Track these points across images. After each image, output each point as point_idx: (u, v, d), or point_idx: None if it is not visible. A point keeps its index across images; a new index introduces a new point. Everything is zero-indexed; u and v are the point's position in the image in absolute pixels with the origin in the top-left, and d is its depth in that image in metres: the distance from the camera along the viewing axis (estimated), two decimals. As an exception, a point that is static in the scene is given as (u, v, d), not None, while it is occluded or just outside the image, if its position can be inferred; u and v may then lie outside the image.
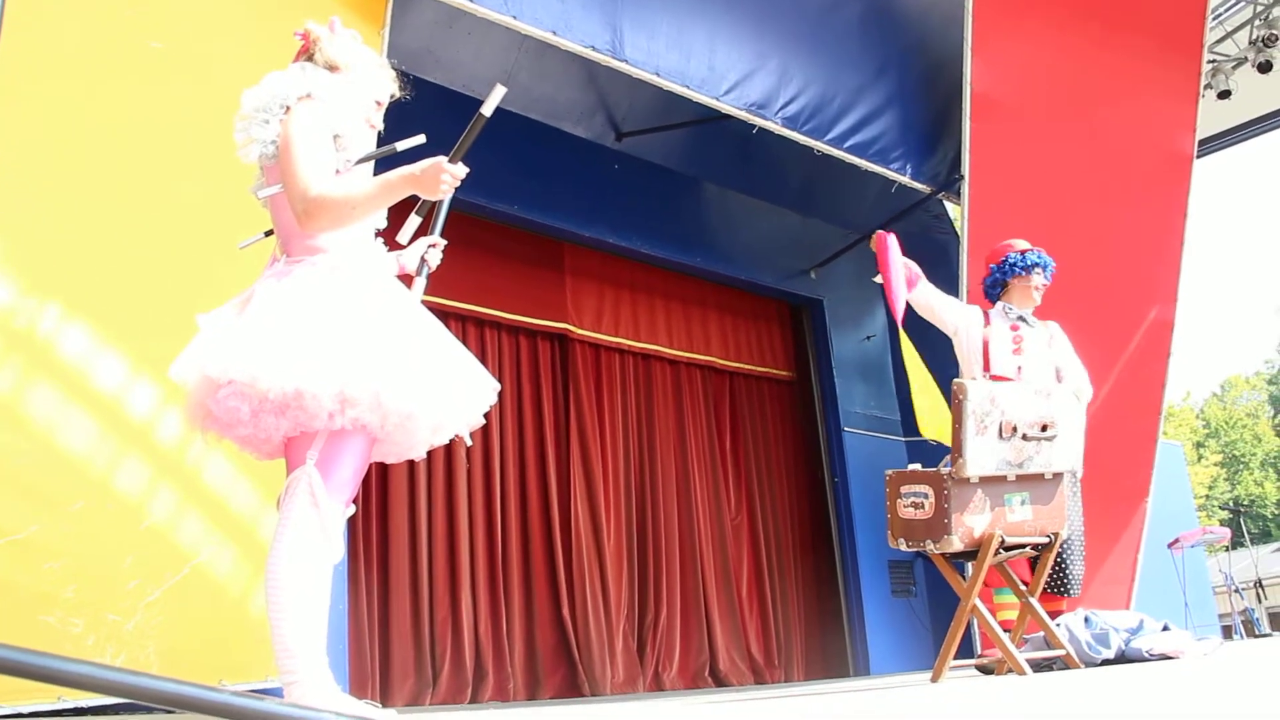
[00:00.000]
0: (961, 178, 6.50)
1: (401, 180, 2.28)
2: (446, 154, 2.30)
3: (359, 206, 2.27)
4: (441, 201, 2.68)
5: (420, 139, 2.39)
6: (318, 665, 2.20)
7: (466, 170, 2.31)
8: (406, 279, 2.67)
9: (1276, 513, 36.36)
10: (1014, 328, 4.48)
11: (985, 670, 4.09)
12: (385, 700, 5.57)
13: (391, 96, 2.70)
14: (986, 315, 4.55)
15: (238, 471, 3.63)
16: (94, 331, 3.46)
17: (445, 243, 2.78)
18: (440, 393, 2.32)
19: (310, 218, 2.27)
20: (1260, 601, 12.76)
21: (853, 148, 6.44)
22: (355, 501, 2.45)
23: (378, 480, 5.91)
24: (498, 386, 2.54)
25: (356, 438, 2.30)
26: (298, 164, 2.30)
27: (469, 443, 2.53)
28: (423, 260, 2.74)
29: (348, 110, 2.44)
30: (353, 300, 2.30)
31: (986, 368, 4.38)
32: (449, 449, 6.24)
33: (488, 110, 2.35)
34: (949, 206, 7.88)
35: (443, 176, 2.26)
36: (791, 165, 7.09)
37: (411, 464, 6.04)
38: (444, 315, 6.32)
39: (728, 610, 7.41)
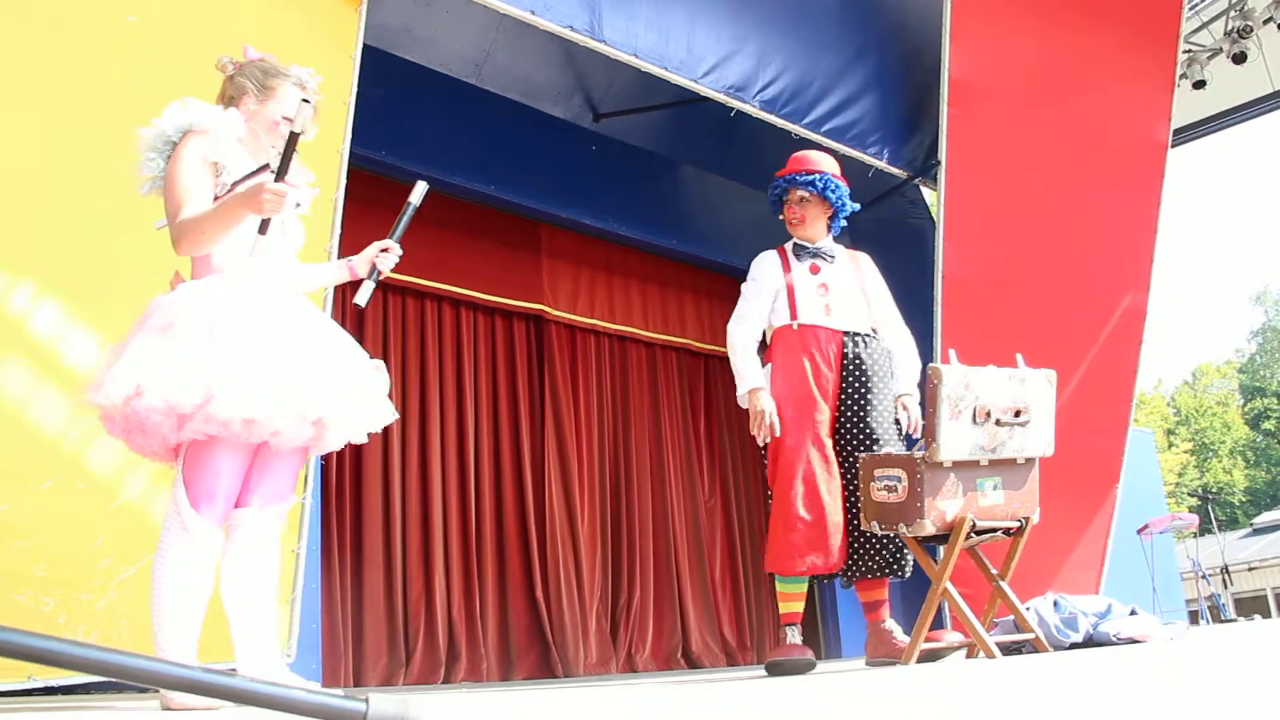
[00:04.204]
0: (938, 163, 6.51)
1: (235, 200, 2.48)
2: (277, 173, 2.50)
3: (206, 230, 2.49)
4: (408, 206, 2.91)
5: (264, 173, 2.57)
6: (181, 658, 2.40)
7: (291, 186, 2.48)
8: (356, 284, 2.90)
9: (1244, 500, 36.76)
10: (814, 269, 4.25)
11: (933, 656, 3.98)
12: (358, 680, 5.57)
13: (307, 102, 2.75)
14: (785, 260, 4.30)
15: (211, 450, 3.60)
16: (66, 309, 3.42)
17: (400, 251, 2.93)
18: (291, 398, 2.44)
19: (176, 242, 2.53)
20: (1226, 587, 12.89)
21: (830, 131, 6.43)
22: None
23: (351, 460, 5.90)
24: (392, 415, 2.75)
25: (213, 445, 2.46)
26: (172, 195, 2.55)
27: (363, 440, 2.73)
28: (373, 265, 2.89)
29: (228, 139, 2.62)
30: (200, 317, 2.45)
31: (794, 315, 4.16)
32: (424, 433, 6.23)
33: (415, 199, 2.82)
34: (925, 192, 7.90)
35: (264, 195, 2.42)
36: (769, 148, 7.08)
37: (386, 444, 6.02)
38: (419, 295, 6.36)
39: (701, 592, 7.44)
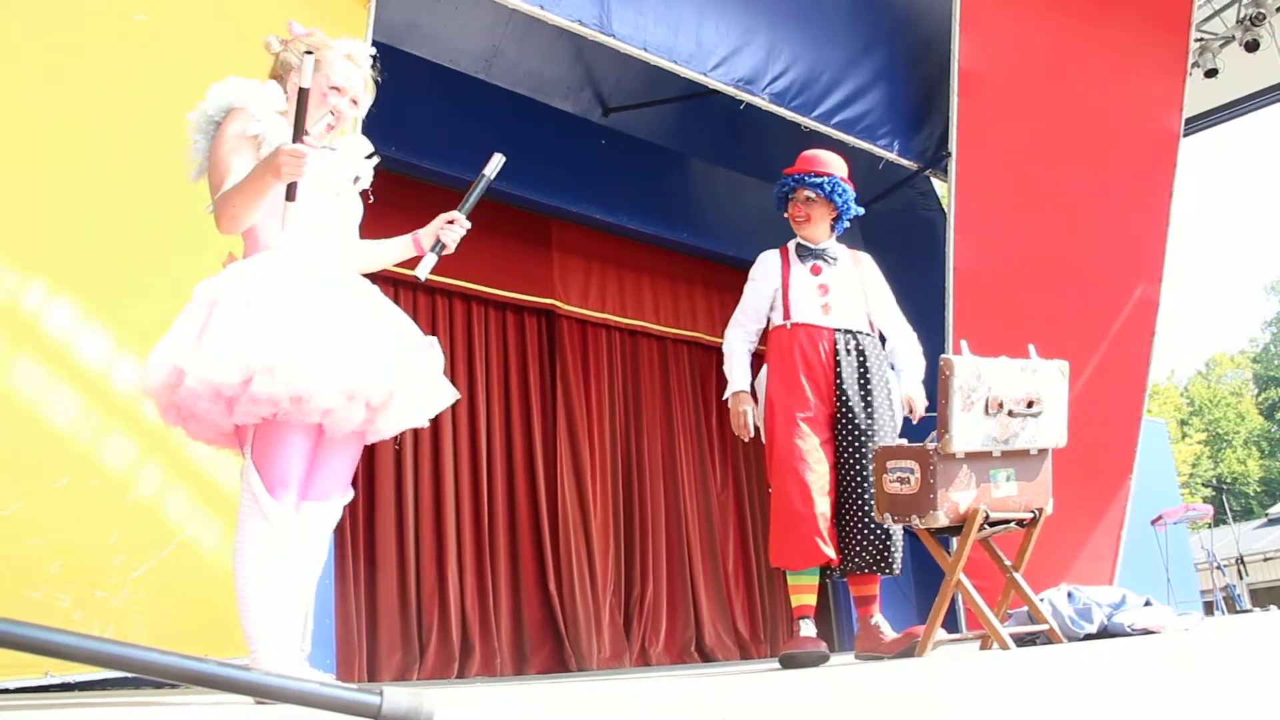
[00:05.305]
0: (949, 154, 6.49)
1: (257, 168, 2.40)
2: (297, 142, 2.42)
3: (236, 203, 2.43)
4: (481, 178, 2.83)
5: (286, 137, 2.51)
6: (275, 644, 2.33)
7: (311, 146, 2.41)
8: (415, 260, 2.84)
9: (1259, 490, 36.63)
10: (815, 270, 4.26)
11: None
12: (372, 675, 5.58)
13: (367, 68, 2.76)
14: (785, 259, 4.33)
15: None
16: (79, 306, 3.44)
17: (468, 224, 2.84)
18: (338, 373, 2.35)
19: (217, 221, 2.48)
20: (1241, 578, 12.86)
21: (840, 124, 6.42)
22: (355, 484, 2.54)
23: (365, 454, 5.88)
24: (452, 395, 2.70)
25: (280, 429, 2.38)
26: (213, 174, 2.52)
27: (424, 423, 2.68)
28: (436, 238, 2.82)
29: (267, 112, 2.57)
30: (240, 294, 2.38)
31: (787, 315, 4.21)
32: (436, 428, 6.23)
33: (490, 171, 2.74)
34: (936, 183, 7.88)
35: (282, 157, 2.33)
36: (779, 141, 7.08)
37: (399, 438, 6.02)
38: (429, 290, 6.36)
39: (714, 586, 7.44)
